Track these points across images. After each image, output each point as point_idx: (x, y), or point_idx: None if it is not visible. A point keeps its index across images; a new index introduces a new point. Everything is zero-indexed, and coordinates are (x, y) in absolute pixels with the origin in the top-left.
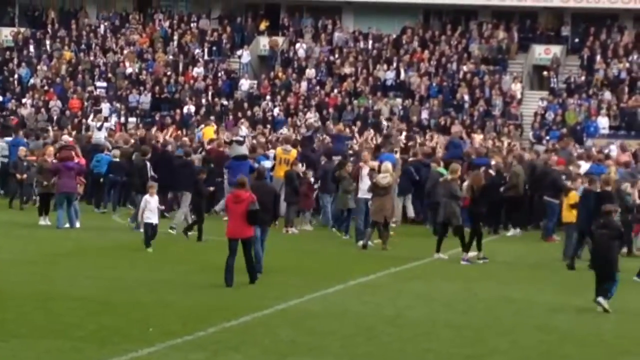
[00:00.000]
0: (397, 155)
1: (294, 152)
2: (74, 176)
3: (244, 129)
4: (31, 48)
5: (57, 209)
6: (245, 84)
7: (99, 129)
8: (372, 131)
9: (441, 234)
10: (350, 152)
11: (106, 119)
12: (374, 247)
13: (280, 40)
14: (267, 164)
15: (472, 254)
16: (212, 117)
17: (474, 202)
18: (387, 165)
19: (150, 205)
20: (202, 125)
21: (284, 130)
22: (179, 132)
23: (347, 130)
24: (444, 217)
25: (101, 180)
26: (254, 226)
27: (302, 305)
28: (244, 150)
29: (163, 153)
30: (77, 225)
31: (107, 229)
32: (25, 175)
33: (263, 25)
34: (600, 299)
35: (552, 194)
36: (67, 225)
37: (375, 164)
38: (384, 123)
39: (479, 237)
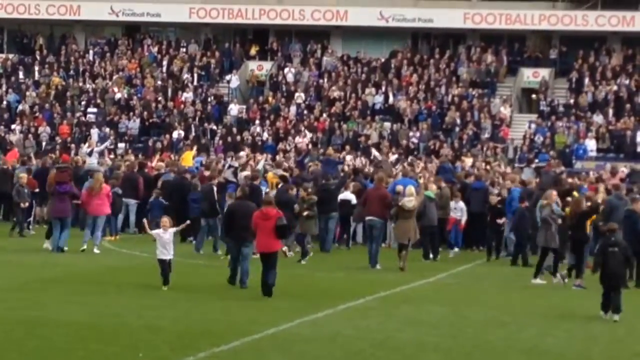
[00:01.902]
0: (422, 180)
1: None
2: (67, 200)
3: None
4: (20, 74)
5: (52, 232)
6: (234, 108)
7: (89, 154)
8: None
9: (541, 260)
10: (342, 174)
11: (104, 143)
12: (377, 270)
13: (268, 65)
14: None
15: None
16: (202, 142)
17: (575, 228)
18: (411, 189)
19: (163, 240)
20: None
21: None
22: (170, 156)
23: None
24: (543, 242)
25: None
26: (282, 240)
27: (292, 329)
28: (231, 176)
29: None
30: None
31: (95, 253)
32: (27, 204)
33: (253, 50)
34: (616, 317)
35: None
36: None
37: (400, 187)
38: (374, 153)
39: (578, 262)
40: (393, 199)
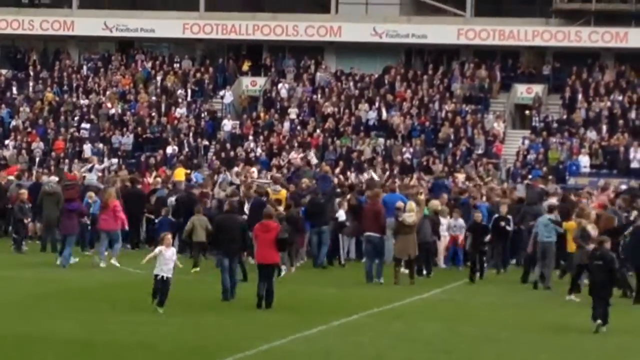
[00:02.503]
0: (422, 197)
1: (283, 192)
2: (75, 217)
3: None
4: (13, 89)
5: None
6: (227, 124)
7: (90, 170)
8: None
9: (576, 277)
10: (338, 190)
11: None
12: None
13: (261, 80)
14: None
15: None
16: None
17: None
18: (412, 204)
19: (164, 257)
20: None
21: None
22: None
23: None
24: (579, 259)
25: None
26: (281, 252)
27: (285, 345)
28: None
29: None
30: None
31: (91, 270)
32: (29, 219)
33: (246, 66)
34: (603, 328)
35: None
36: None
37: (401, 203)
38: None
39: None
40: (394, 215)
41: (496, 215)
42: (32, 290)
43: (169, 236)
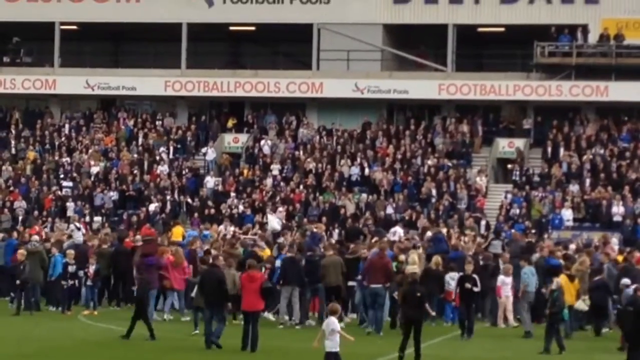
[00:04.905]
0: (420, 251)
1: (267, 251)
2: (154, 272)
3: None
4: None
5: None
6: (210, 181)
7: (79, 229)
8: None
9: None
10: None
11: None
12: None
13: (244, 137)
14: None
15: None
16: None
17: None
18: (414, 257)
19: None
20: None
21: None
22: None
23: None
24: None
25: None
26: (265, 301)
27: None
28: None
29: None
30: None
31: (73, 328)
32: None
33: (230, 123)
34: None
35: None
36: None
37: (403, 256)
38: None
39: None
40: (397, 267)
41: (461, 274)
42: (14, 349)
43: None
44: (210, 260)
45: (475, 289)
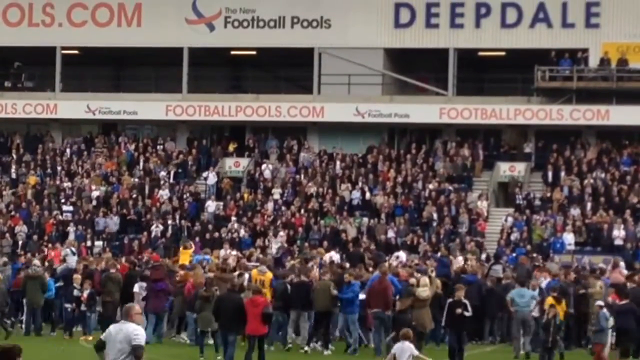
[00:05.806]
0: (433, 274)
1: (269, 275)
2: (164, 297)
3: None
4: None
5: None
6: (211, 205)
7: (74, 253)
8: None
9: None
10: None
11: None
12: None
13: (245, 161)
14: None
15: None
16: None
17: None
18: (425, 279)
19: None
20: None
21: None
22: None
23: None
24: None
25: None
26: (268, 325)
27: None
28: None
29: None
30: None
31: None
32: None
33: (231, 147)
34: None
35: None
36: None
37: (413, 280)
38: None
39: None
40: (406, 290)
41: (450, 300)
42: None
43: None
44: (229, 286)
45: (467, 314)
